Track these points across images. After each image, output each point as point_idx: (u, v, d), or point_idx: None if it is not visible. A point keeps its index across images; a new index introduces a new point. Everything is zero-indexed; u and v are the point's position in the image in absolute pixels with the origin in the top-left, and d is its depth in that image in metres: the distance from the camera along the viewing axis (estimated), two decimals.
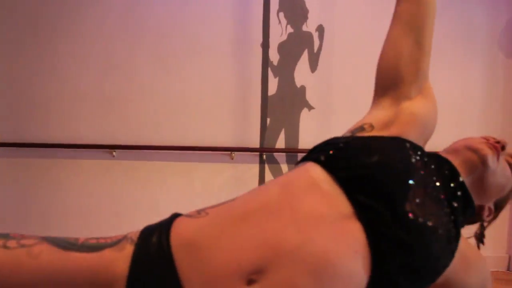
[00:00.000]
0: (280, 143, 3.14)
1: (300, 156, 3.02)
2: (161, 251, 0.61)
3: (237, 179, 3.17)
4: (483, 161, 0.80)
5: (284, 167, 3.15)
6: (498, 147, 0.82)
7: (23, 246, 0.59)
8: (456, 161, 0.81)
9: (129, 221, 3.27)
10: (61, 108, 3.29)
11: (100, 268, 0.59)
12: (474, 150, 0.81)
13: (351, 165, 0.68)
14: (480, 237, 0.90)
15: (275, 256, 0.57)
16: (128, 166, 3.25)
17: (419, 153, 0.75)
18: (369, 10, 3.06)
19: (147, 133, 3.23)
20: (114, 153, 3.22)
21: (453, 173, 0.78)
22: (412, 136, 0.79)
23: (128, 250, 0.62)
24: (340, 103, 3.09)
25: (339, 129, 3.09)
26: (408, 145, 0.75)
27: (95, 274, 0.59)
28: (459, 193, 0.76)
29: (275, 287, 0.55)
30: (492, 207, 0.88)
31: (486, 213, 0.85)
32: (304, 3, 3.06)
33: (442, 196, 0.71)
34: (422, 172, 0.70)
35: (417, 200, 0.64)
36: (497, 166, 0.81)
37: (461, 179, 0.78)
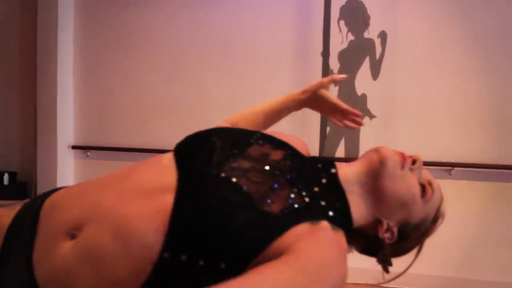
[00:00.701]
0: (340, 152, 3.10)
1: None
2: (33, 209, 0.73)
3: None
4: (381, 160, 0.76)
5: None
6: (407, 156, 0.79)
7: None
8: (359, 161, 0.80)
9: None
10: (140, 115, 3.63)
11: None
12: (377, 150, 0.79)
13: (189, 142, 0.77)
14: (383, 261, 0.79)
15: (90, 216, 0.66)
16: None
17: (275, 143, 0.78)
18: (434, 14, 2.87)
19: None
20: None
21: (326, 165, 0.77)
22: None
23: (17, 209, 0.77)
24: (403, 111, 2.96)
25: (402, 138, 2.99)
26: (258, 135, 0.79)
27: None
28: (323, 180, 0.73)
29: (84, 241, 0.64)
30: (395, 229, 0.78)
31: (383, 229, 0.77)
32: (365, 9, 2.98)
33: (288, 176, 0.69)
34: (270, 156, 0.73)
35: (234, 165, 0.67)
36: (398, 173, 0.77)
37: (332, 170, 0.76)
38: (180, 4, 3.48)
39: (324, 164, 0.78)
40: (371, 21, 2.98)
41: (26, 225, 0.71)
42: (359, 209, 0.76)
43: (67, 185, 0.87)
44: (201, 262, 0.61)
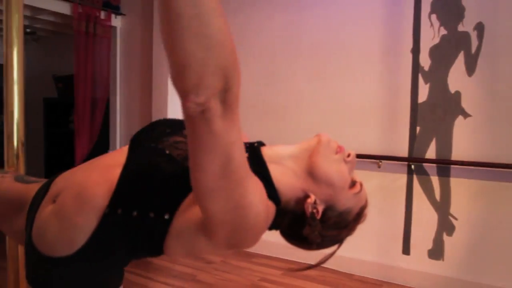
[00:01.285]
0: (431, 153, 2.95)
1: (454, 168, 2.81)
2: (47, 184, 0.95)
3: (384, 189, 3.12)
4: (319, 140, 0.84)
5: (435, 179, 2.94)
6: (343, 147, 0.85)
7: (1, 177, 1.09)
8: (299, 143, 0.87)
9: None
10: None
11: (24, 193, 0.99)
12: (318, 134, 0.86)
13: (140, 131, 0.91)
14: (309, 236, 0.82)
15: (65, 186, 0.87)
16: None
17: None
18: None
19: (302, 139, 3.49)
20: None
21: (252, 142, 0.90)
22: None
23: (39, 185, 0.99)
24: (502, 109, 2.69)
25: (501, 138, 2.76)
26: None
27: (22, 195, 0.99)
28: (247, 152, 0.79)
29: (57, 203, 0.85)
30: (320, 207, 0.82)
31: (311, 202, 0.80)
32: (459, 1, 2.78)
33: None
34: None
35: (166, 139, 0.83)
36: (332, 156, 0.83)
37: (255, 144, 0.87)
38: (273, 8, 3.63)
39: (251, 143, 0.89)
40: (466, 13, 2.76)
41: (38, 196, 0.93)
42: (287, 180, 0.82)
43: None
44: (152, 214, 0.76)
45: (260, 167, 0.80)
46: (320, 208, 0.82)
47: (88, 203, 0.80)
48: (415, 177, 3.01)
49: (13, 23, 1.24)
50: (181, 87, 0.54)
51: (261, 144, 0.90)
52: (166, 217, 0.75)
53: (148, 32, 4.33)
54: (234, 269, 3.32)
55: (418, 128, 2.98)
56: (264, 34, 3.69)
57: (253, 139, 3.56)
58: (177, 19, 0.49)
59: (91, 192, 0.80)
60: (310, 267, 0.94)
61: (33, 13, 4.22)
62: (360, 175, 2.96)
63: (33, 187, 0.99)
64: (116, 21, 4.60)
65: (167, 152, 0.78)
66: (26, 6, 3.96)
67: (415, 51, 2.96)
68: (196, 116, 0.55)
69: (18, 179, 1.07)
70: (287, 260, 3.53)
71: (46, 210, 0.87)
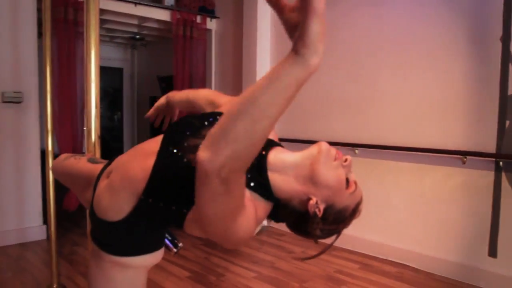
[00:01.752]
0: None
1: None
2: (107, 164, 1.17)
3: (469, 186, 2.96)
4: (320, 149, 0.93)
5: None
6: (341, 153, 0.95)
7: (77, 158, 1.37)
8: (302, 151, 0.96)
9: (364, 213, 3.60)
10: (320, 111, 3.96)
11: (92, 171, 1.22)
12: (319, 144, 0.94)
13: (170, 126, 1.07)
14: (311, 231, 0.95)
15: (116, 166, 1.08)
16: (368, 163, 3.58)
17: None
18: None
19: (385, 134, 3.45)
20: (356, 151, 3.61)
21: (262, 148, 0.93)
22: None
23: (103, 165, 1.21)
24: None
25: None
26: (213, 118, 1.05)
27: (91, 173, 1.22)
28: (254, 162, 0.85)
29: (110, 179, 1.05)
30: (322, 206, 0.93)
31: (313, 203, 0.92)
32: None
33: None
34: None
35: (185, 144, 0.96)
36: (331, 163, 0.93)
37: (263, 152, 0.95)
38: (356, 2, 3.63)
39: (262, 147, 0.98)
40: None
41: (100, 174, 1.17)
42: (289, 186, 0.94)
43: None
44: (172, 207, 0.94)
45: (262, 175, 0.94)
46: (321, 207, 0.94)
47: (129, 185, 1.00)
48: (503, 174, 2.81)
49: (91, 28, 1.51)
50: (214, 151, 0.67)
51: (274, 145, 1.02)
52: (184, 211, 0.92)
53: (239, 33, 4.60)
54: (312, 260, 3.41)
55: (507, 122, 2.78)
56: (347, 29, 3.70)
57: (335, 134, 3.66)
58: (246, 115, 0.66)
59: (132, 176, 1.00)
60: (311, 257, 1.06)
61: (140, 22, 4.76)
62: (442, 171, 2.90)
63: (99, 167, 1.23)
64: (211, 24, 4.95)
65: (185, 160, 0.93)
66: (133, 16, 4.49)
67: (505, 39, 2.75)
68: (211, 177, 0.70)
69: (90, 160, 1.33)
70: (365, 254, 3.53)
71: (102, 184, 1.10)
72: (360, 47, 3.61)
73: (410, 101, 3.30)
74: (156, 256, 1.12)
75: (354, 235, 3.63)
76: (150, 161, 0.98)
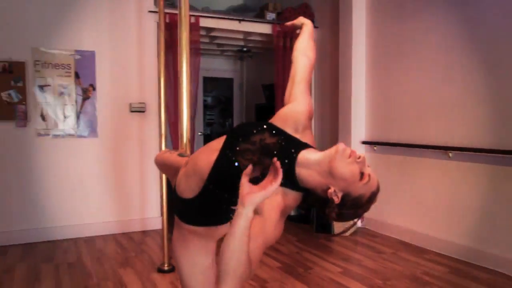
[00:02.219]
0: None
1: None
2: (187, 157, 1.51)
3: None
4: (336, 149, 1.14)
5: None
6: (355, 151, 1.14)
7: (171, 152, 1.76)
8: (324, 151, 1.18)
9: (458, 218, 3.53)
10: (415, 115, 3.96)
11: (179, 162, 1.57)
12: (336, 145, 1.16)
13: (234, 128, 1.37)
14: (331, 216, 1.15)
15: (191, 157, 1.43)
16: (463, 167, 3.49)
17: (273, 132, 1.27)
18: None
19: (481, 136, 3.35)
20: (450, 154, 3.55)
21: (296, 149, 1.22)
22: (280, 124, 1.31)
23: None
24: None
25: None
26: (267, 126, 1.29)
27: (178, 163, 1.56)
28: (286, 160, 1.17)
29: (186, 168, 1.40)
30: (339, 194, 1.14)
31: (331, 192, 1.14)
32: None
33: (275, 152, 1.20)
34: (265, 139, 1.25)
35: (237, 148, 1.23)
36: (345, 159, 1.12)
37: (294, 155, 1.19)
38: (449, 3, 3.59)
39: (295, 149, 1.22)
40: None
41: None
42: (313, 179, 1.17)
43: None
44: (225, 195, 1.25)
45: (290, 171, 1.19)
46: (339, 195, 1.16)
47: (198, 173, 1.32)
48: None
49: (183, 42, 1.89)
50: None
51: (307, 147, 1.27)
52: (233, 199, 1.18)
53: (336, 41, 4.79)
54: (400, 260, 3.46)
55: None
56: (439, 32, 3.67)
57: (431, 137, 3.66)
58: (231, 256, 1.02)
59: (200, 166, 1.32)
60: (335, 234, 1.32)
61: (245, 36, 5.22)
62: None
63: (185, 159, 1.59)
64: None
65: (236, 164, 1.22)
66: (239, 31, 4.96)
67: None
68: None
69: (179, 154, 1.71)
70: (457, 259, 3.45)
71: (181, 171, 1.45)
72: (453, 48, 3.55)
73: (506, 102, 3.16)
74: (219, 230, 1.43)
75: (443, 238, 3.58)
76: (213, 156, 1.29)
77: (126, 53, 4.35)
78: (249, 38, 5.30)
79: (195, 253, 1.46)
